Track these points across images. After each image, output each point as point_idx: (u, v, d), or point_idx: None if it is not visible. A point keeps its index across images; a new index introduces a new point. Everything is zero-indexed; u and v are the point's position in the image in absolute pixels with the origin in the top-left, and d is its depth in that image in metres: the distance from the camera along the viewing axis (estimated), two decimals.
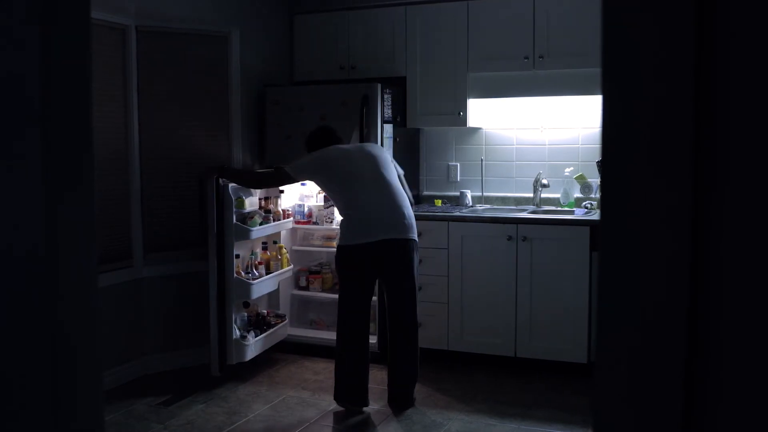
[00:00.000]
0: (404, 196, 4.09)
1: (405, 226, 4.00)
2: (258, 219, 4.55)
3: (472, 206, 5.19)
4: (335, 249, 4.14)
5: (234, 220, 4.41)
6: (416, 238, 4.06)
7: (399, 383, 4.12)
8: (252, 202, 4.67)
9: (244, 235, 4.47)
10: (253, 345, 4.57)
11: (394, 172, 4.14)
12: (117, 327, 4.48)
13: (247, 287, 4.48)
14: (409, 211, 4.06)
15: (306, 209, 5.23)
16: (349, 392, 4.05)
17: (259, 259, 4.71)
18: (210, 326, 4.41)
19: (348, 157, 4.10)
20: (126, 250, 4.62)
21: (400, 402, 4.12)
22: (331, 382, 4.35)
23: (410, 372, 4.12)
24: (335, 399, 4.09)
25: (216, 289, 4.40)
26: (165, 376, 4.67)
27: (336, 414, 4.05)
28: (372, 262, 3.98)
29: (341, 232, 4.06)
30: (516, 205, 5.17)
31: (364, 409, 4.07)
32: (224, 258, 4.40)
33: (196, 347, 4.87)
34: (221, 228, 4.39)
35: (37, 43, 1.15)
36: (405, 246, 4.00)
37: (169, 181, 4.79)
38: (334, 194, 4.12)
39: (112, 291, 4.42)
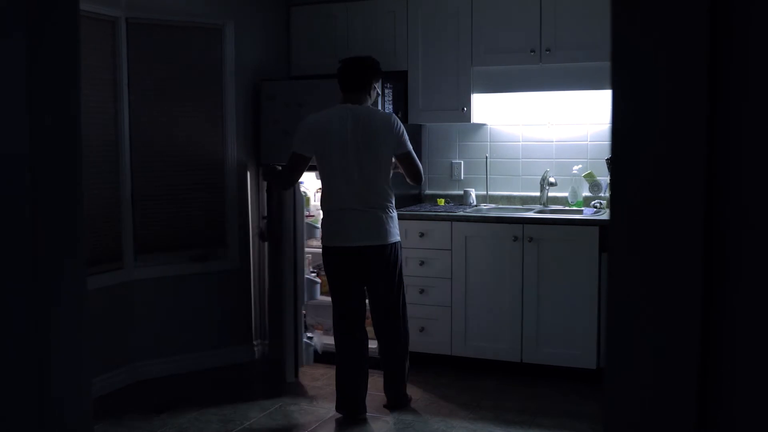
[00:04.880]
0: (378, 196, 3.95)
1: (386, 233, 3.98)
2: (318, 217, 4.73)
3: (476, 205, 5.18)
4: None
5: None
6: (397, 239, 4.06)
7: (389, 382, 4.20)
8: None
9: (312, 233, 4.69)
10: (319, 346, 4.74)
11: (384, 163, 3.96)
12: (107, 331, 4.48)
13: (314, 287, 4.69)
14: (382, 214, 3.96)
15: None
16: (345, 400, 4.06)
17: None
18: (284, 328, 4.44)
19: (342, 136, 3.91)
20: (116, 252, 4.62)
21: (390, 402, 4.18)
22: (330, 389, 4.36)
23: (398, 368, 4.17)
24: (335, 408, 4.09)
25: (280, 289, 4.46)
26: (158, 382, 4.67)
27: (335, 421, 4.04)
28: (358, 267, 4.00)
29: (322, 230, 4.10)
30: (522, 204, 5.17)
31: (363, 416, 4.07)
32: (282, 257, 4.47)
33: (190, 352, 4.87)
34: (280, 228, 4.44)
35: (23, 35, 1.15)
36: (390, 251, 4.01)
37: (161, 180, 4.79)
38: (319, 169, 4.03)
39: (103, 294, 4.41)
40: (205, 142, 4.96)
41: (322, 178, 4.04)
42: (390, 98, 4.87)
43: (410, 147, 4.00)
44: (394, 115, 4.06)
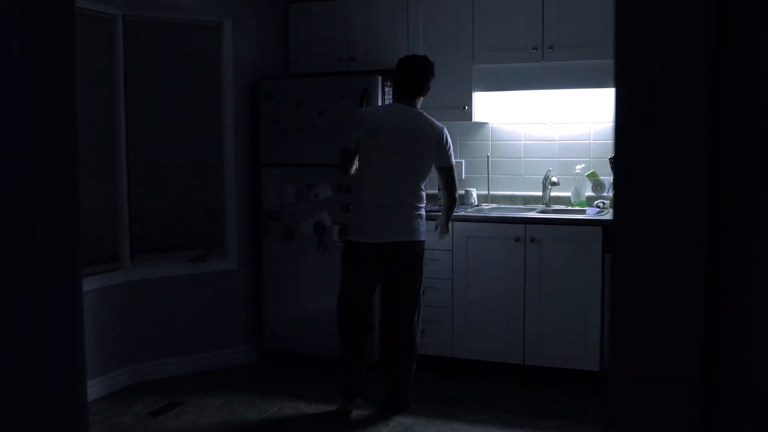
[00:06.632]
0: (410, 196, 4.05)
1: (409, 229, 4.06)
2: None
3: (477, 205, 5.18)
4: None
5: None
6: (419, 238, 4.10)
7: (392, 381, 4.21)
8: None
9: None
10: None
11: (423, 169, 4.09)
12: (105, 332, 4.48)
13: None
14: (412, 212, 4.07)
15: None
16: (349, 390, 4.12)
17: None
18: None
19: (388, 134, 4.03)
20: (114, 252, 4.62)
21: (391, 404, 4.18)
22: (329, 391, 4.38)
23: (404, 370, 4.18)
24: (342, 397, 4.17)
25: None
26: (156, 384, 4.66)
27: (334, 424, 4.05)
28: (379, 264, 4.05)
29: (351, 224, 4.17)
30: (524, 204, 5.17)
31: (364, 415, 4.09)
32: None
33: (188, 354, 4.87)
34: None
35: (22, 34, 1.15)
36: (415, 248, 4.08)
37: (159, 179, 4.79)
38: (359, 162, 4.13)
39: (101, 294, 4.41)
40: (204, 142, 4.96)
41: (361, 171, 4.11)
42: (390, 96, 4.87)
43: (452, 162, 4.16)
44: (445, 129, 4.13)
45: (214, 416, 4.16)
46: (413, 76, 4.11)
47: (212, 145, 4.98)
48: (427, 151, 4.07)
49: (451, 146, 4.16)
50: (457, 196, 4.29)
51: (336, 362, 4.37)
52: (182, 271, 4.85)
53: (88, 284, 4.26)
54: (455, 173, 4.24)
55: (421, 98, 4.17)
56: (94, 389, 4.30)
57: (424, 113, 4.15)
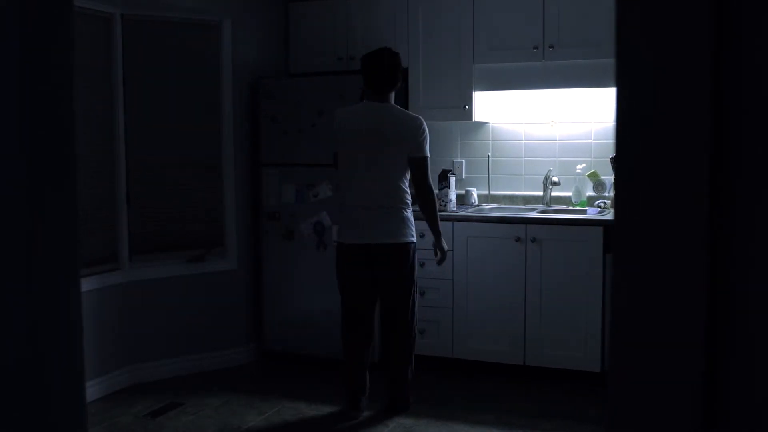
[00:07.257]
0: (393, 196, 3.97)
1: (391, 232, 3.99)
2: None
3: (478, 205, 5.18)
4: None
5: None
6: (410, 240, 4.04)
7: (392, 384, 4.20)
8: None
9: None
10: None
11: (402, 164, 3.97)
12: (104, 333, 4.48)
13: None
14: (396, 213, 3.98)
15: None
16: (350, 395, 4.11)
17: None
18: None
19: (363, 134, 4.01)
20: (113, 253, 4.62)
21: (391, 404, 4.18)
22: (329, 392, 4.38)
23: (401, 371, 4.17)
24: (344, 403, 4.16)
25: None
26: (155, 385, 4.67)
27: (334, 424, 4.05)
28: (368, 265, 4.03)
29: (339, 226, 4.15)
30: (525, 204, 5.17)
31: (364, 415, 4.10)
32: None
33: (188, 355, 4.87)
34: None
35: (17, 32, 1.15)
36: (401, 250, 4.01)
37: (158, 179, 4.79)
38: (339, 164, 4.13)
39: (99, 295, 4.41)
40: (203, 141, 4.96)
41: (341, 173, 4.10)
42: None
43: (426, 154, 4.02)
44: (421, 118, 4.04)
45: (213, 417, 4.16)
46: (380, 70, 4.02)
47: (212, 144, 4.98)
48: (403, 148, 3.96)
49: (428, 138, 4.01)
50: (432, 197, 4.04)
51: (336, 362, 4.37)
52: (182, 271, 4.85)
53: (88, 284, 4.26)
54: (428, 167, 4.04)
55: (394, 92, 4.08)
56: (93, 389, 4.30)
57: (399, 107, 4.09)
